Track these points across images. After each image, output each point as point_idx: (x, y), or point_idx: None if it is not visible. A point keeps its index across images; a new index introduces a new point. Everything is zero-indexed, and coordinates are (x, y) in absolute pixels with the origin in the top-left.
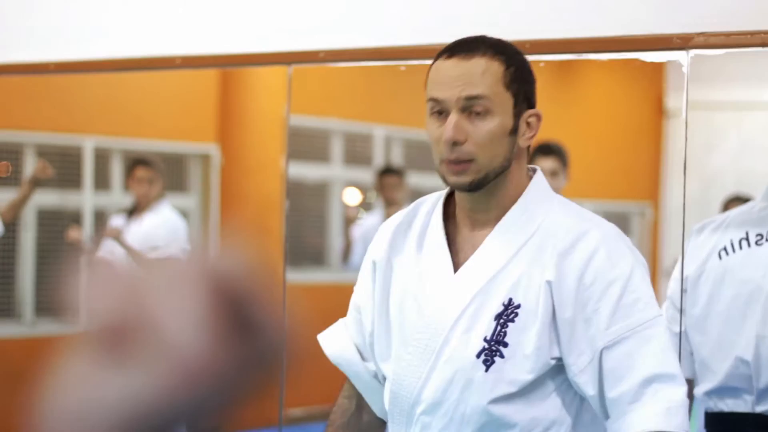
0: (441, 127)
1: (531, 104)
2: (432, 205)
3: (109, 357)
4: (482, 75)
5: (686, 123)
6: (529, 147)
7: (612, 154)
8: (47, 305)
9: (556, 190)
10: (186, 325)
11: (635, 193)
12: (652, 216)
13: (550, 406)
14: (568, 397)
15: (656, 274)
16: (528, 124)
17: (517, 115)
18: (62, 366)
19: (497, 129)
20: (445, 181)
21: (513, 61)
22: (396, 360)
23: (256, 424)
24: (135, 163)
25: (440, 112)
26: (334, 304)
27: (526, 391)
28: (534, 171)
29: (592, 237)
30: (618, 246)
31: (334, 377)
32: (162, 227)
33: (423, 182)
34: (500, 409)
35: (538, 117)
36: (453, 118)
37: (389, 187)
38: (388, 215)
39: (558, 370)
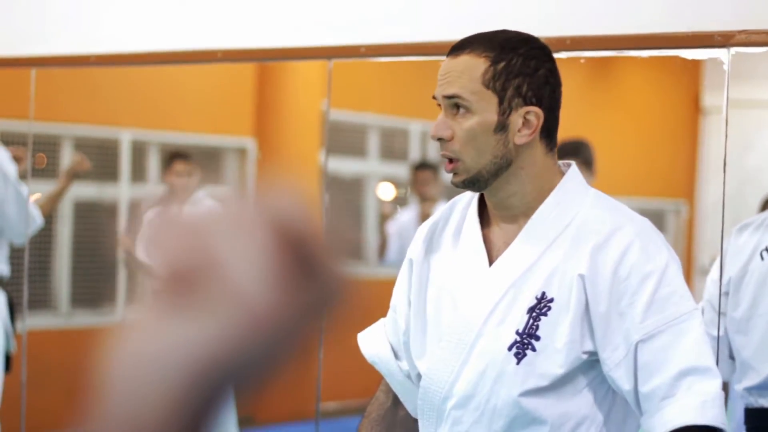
0: None
1: (530, 100)
2: (468, 202)
3: (175, 305)
4: (459, 74)
5: (726, 121)
6: (550, 143)
7: (648, 152)
8: (83, 297)
9: None
10: (251, 269)
11: (671, 191)
12: (687, 214)
13: (581, 401)
14: (599, 393)
15: (691, 272)
16: (526, 120)
17: (504, 113)
18: (130, 317)
19: (476, 127)
20: None
21: (503, 58)
22: (429, 356)
23: (293, 418)
24: (173, 156)
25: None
26: (370, 298)
27: (557, 385)
28: (568, 166)
29: (627, 231)
30: (653, 240)
31: (370, 372)
32: None
33: None
34: (531, 403)
35: (538, 115)
36: (441, 115)
37: (423, 182)
38: (423, 211)
39: (590, 365)
